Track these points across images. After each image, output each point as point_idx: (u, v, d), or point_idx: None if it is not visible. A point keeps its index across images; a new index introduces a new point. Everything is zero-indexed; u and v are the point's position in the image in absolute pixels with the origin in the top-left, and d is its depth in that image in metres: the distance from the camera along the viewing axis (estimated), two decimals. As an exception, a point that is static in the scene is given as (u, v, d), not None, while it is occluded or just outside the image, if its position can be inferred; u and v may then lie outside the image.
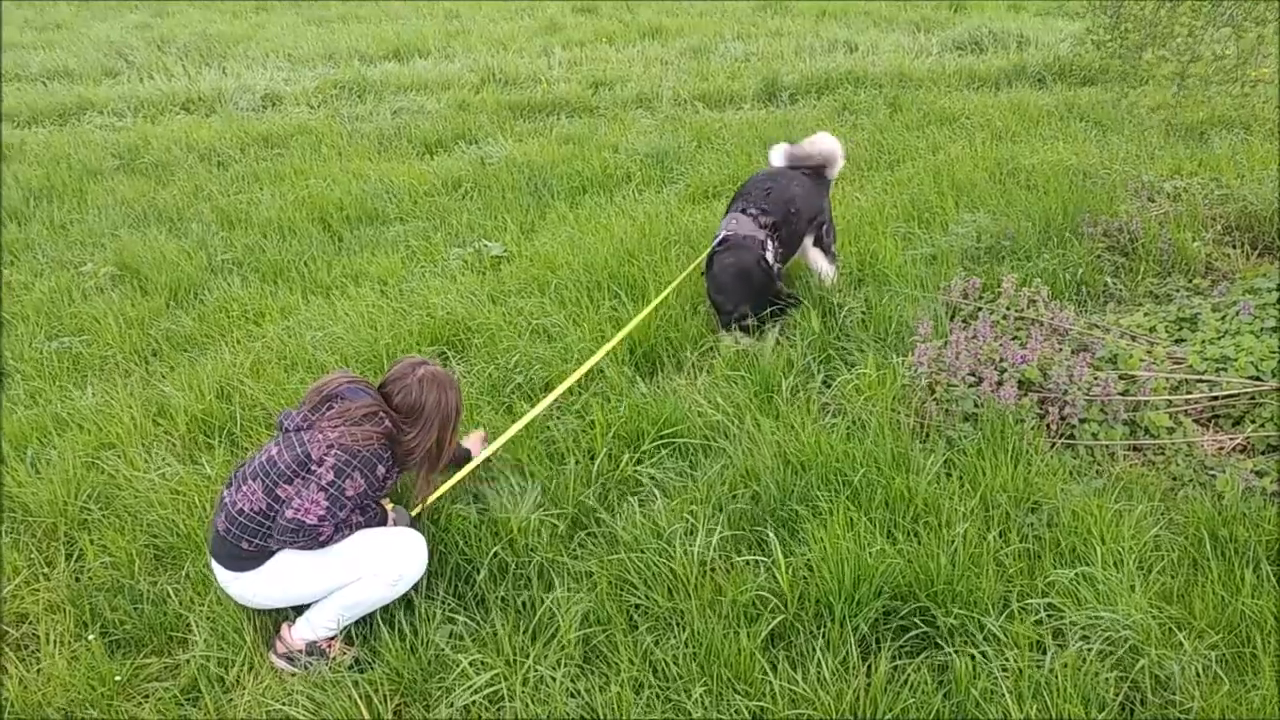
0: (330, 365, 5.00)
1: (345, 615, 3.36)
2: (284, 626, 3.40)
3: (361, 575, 3.34)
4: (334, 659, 3.32)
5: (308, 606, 3.41)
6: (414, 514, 3.72)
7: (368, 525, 3.44)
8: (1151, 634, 3.17)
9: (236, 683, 3.30)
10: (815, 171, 5.66)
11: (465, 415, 4.42)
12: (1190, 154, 7.60)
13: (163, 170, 8.91)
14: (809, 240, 5.48)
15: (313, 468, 3.29)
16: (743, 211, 5.26)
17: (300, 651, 3.34)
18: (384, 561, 3.36)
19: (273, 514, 3.28)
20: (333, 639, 3.37)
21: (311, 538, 3.27)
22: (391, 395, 3.54)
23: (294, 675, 3.33)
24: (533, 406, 4.49)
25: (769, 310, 5.14)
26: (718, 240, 5.21)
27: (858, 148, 8.33)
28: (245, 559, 3.31)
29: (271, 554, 3.32)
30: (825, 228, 5.56)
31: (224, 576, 3.36)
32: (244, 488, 3.32)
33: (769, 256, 5.13)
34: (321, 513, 3.25)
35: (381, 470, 3.40)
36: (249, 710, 3.18)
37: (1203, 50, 6.22)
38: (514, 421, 4.37)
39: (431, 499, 3.79)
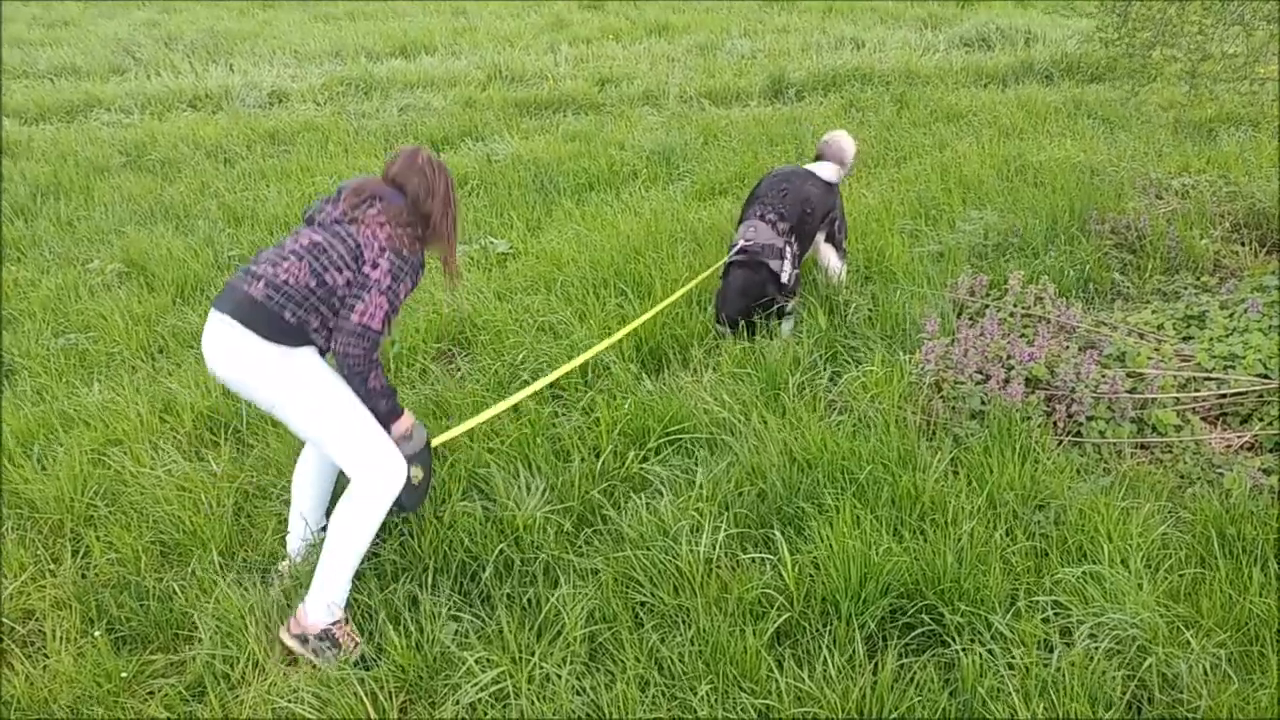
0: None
1: (347, 566, 3.35)
2: (300, 607, 3.37)
3: (347, 458, 3.35)
4: (344, 652, 3.31)
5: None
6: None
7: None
8: (1159, 633, 3.15)
9: (242, 679, 3.30)
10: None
11: (470, 413, 4.43)
12: (1198, 151, 7.57)
13: (169, 167, 8.92)
14: (821, 236, 5.47)
15: (366, 268, 3.33)
16: (760, 217, 5.19)
17: (314, 636, 3.31)
18: (372, 464, 3.35)
19: (320, 292, 3.30)
20: (345, 623, 3.35)
21: (373, 344, 3.32)
22: (405, 186, 3.52)
23: (302, 659, 3.32)
24: (537, 402, 4.50)
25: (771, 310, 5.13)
26: (735, 249, 5.16)
27: (865, 145, 8.31)
28: (285, 331, 3.28)
29: (308, 340, 3.33)
30: (838, 224, 5.54)
31: (252, 344, 3.25)
32: (286, 264, 3.31)
33: (786, 266, 5.09)
34: (384, 314, 3.32)
35: (420, 277, 3.48)
36: (255, 707, 3.18)
37: (1212, 48, 6.21)
38: (517, 416, 4.38)
39: (457, 432, 3.97)
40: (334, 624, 3.32)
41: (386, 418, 3.47)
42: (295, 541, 3.74)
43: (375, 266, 3.33)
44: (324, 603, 3.32)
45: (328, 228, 3.42)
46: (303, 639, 3.32)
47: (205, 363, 3.39)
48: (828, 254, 5.53)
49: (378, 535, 3.67)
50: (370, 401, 3.40)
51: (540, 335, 5.15)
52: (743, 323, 5.05)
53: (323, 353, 3.44)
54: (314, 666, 3.29)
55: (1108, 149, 7.71)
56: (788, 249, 5.10)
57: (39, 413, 4.80)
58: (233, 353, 3.28)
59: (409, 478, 3.47)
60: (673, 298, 5.13)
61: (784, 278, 5.07)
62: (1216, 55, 6.25)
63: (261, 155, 9.12)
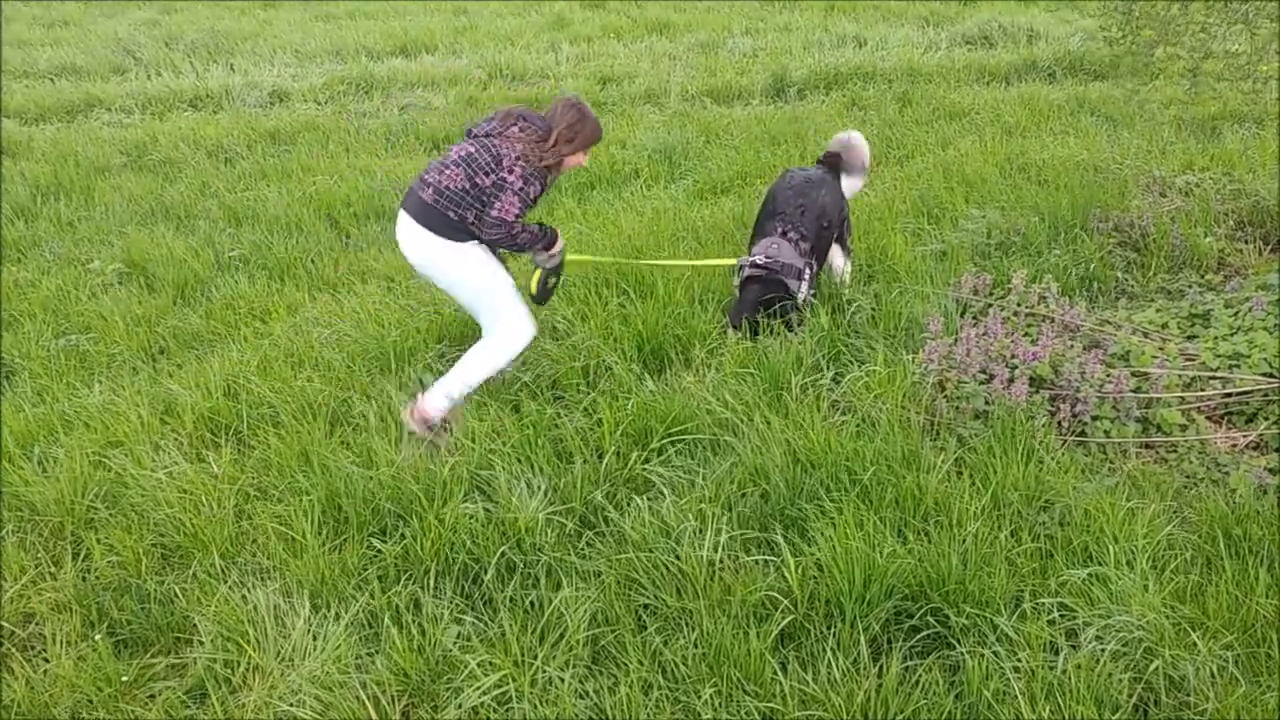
0: (337, 364, 4.98)
1: (467, 382, 4.42)
2: (419, 395, 4.38)
3: (488, 318, 4.51)
4: (452, 436, 4.25)
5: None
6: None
7: (539, 241, 4.59)
8: (1165, 634, 3.13)
9: (244, 683, 3.28)
10: (836, 171, 5.64)
11: (474, 413, 4.42)
12: (1202, 149, 7.55)
13: (170, 167, 8.90)
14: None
15: (503, 173, 4.31)
16: (783, 235, 5.16)
17: (431, 422, 4.32)
18: (505, 325, 4.47)
19: (473, 193, 4.32)
20: (455, 410, 4.37)
21: (509, 233, 4.38)
22: (551, 118, 4.50)
23: (422, 442, 4.24)
24: (539, 403, 4.49)
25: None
26: (754, 260, 5.14)
27: (867, 143, 8.27)
28: (451, 227, 4.35)
29: (470, 235, 4.40)
30: (846, 225, 5.55)
31: (425, 238, 4.37)
32: (447, 172, 4.36)
33: (804, 286, 5.11)
34: (516, 211, 4.34)
35: (548, 180, 4.49)
36: (256, 710, 3.17)
37: (1215, 47, 6.18)
38: (519, 417, 4.37)
39: (588, 259, 5.45)
40: (444, 415, 4.34)
41: (549, 244, 4.65)
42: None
43: (511, 171, 4.32)
44: (441, 393, 4.36)
45: (479, 139, 4.44)
46: (425, 424, 4.31)
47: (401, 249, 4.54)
48: (836, 255, 5.54)
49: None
50: (533, 248, 4.59)
51: (541, 335, 5.12)
52: (748, 321, 5.06)
53: (483, 241, 4.48)
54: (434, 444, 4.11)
55: (1111, 147, 7.68)
56: (807, 270, 5.13)
57: (39, 414, 4.79)
58: (414, 244, 4.43)
59: (548, 282, 4.82)
60: (717, 261, 5.46)
61: (801, 298, 5.09)
62: (1219, 53, 6.22)
63: (262, 155, 9.10)
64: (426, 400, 4.35)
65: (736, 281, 5.28)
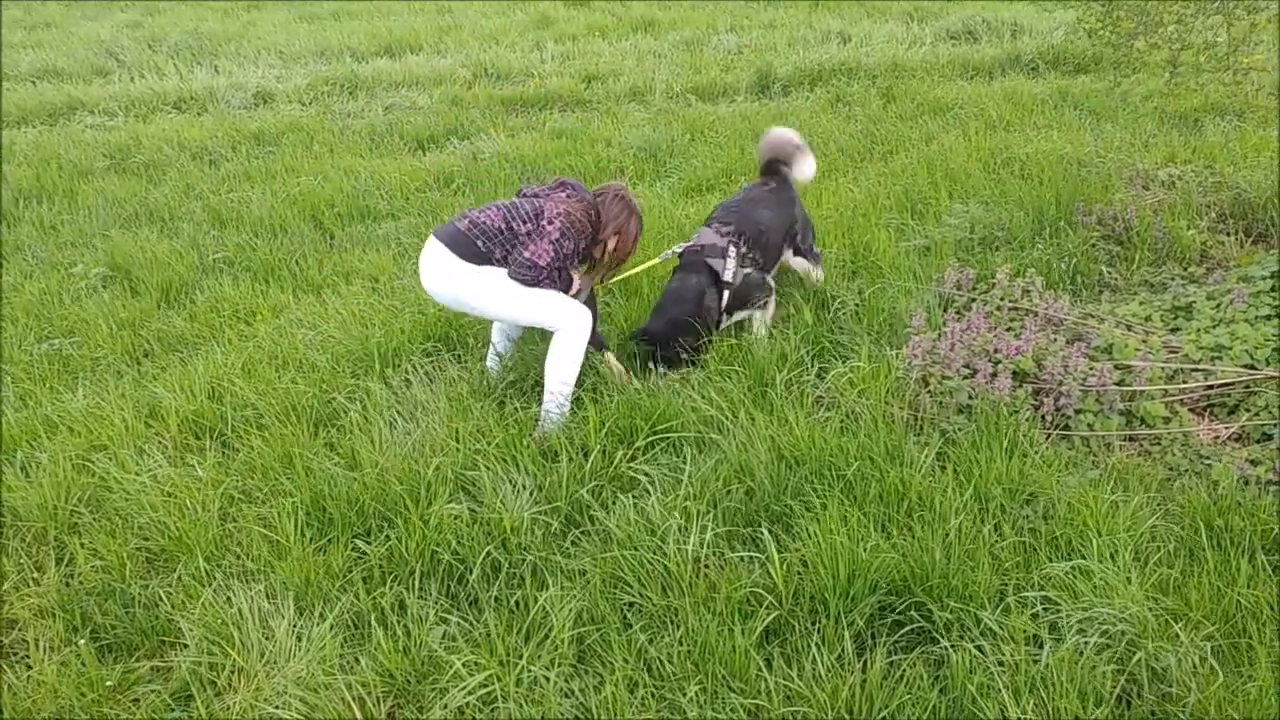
0: (322, 365, 4.97)
1: (563, 390, 4.46)
2: (539, 427, 4.42)
3: (543, 319, 4.50)
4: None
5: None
6: (595, 281, 4.91)
7: (557, 286, 4.53)
8: (1148, 626, 3.15)
9: (229, 686, 3.28)
10: (780, 181, 5.46)
11: (461, 414, 4.42)
12: (1184, 141, 7.57)
13: (154, 170, 8.87)
14: (789, 253, 5.38)
15: (543, 223, 4.44)
16: (708, 226, 5.09)
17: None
18: (563, 315, 4.47)
19: (506, 234, 4.45)
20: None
21: (534, 277, 4.41)
22: (599, 200, 4.68)
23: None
24: (525, 403, 4.49)
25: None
26: (675, 251, 5.09)
27: (851, 139, 8.30)
28: (475, 256, 4.44)
29: (492, 264, 4.44)
30: (799, 236, 5.40)
31: (445, 259, 4.45)
32: (488, 211, 4.52)
33: (729, 265, 4.92)
34: (549, 259, 4.42)
35: (584, 243, 4.60)
36: (241, 713, 3.16)
37: (1193, 38, 6.21)
38: (505, 415, 4.37)
39: (609, 279, 5.10)
40: (564, 413, 4.46)
41: (566, 286, 4.62)
42: (492, 360, 4.94)
43: (550, 223, 4.45)
44: (553, 420, 4.42)
45: (526, 197, 4.65)
46: (543, 442, 4.29)
47: (420, 276, 4.64)
48: (799, 264, 5.46)
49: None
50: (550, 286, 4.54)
51: (528, 335, 5.12)
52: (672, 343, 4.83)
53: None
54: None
55: (1094, 140, 7.70)
56: (732, 248, 4.96)
57: (22, 419, 4.77)
58: (435, 266, 4.50)
59: None
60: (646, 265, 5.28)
61: (726, 275, 4.92)
62: (1198, 45, 6.25)
63: (247, 156, 9.08)
64: (545, 429, 4.40)
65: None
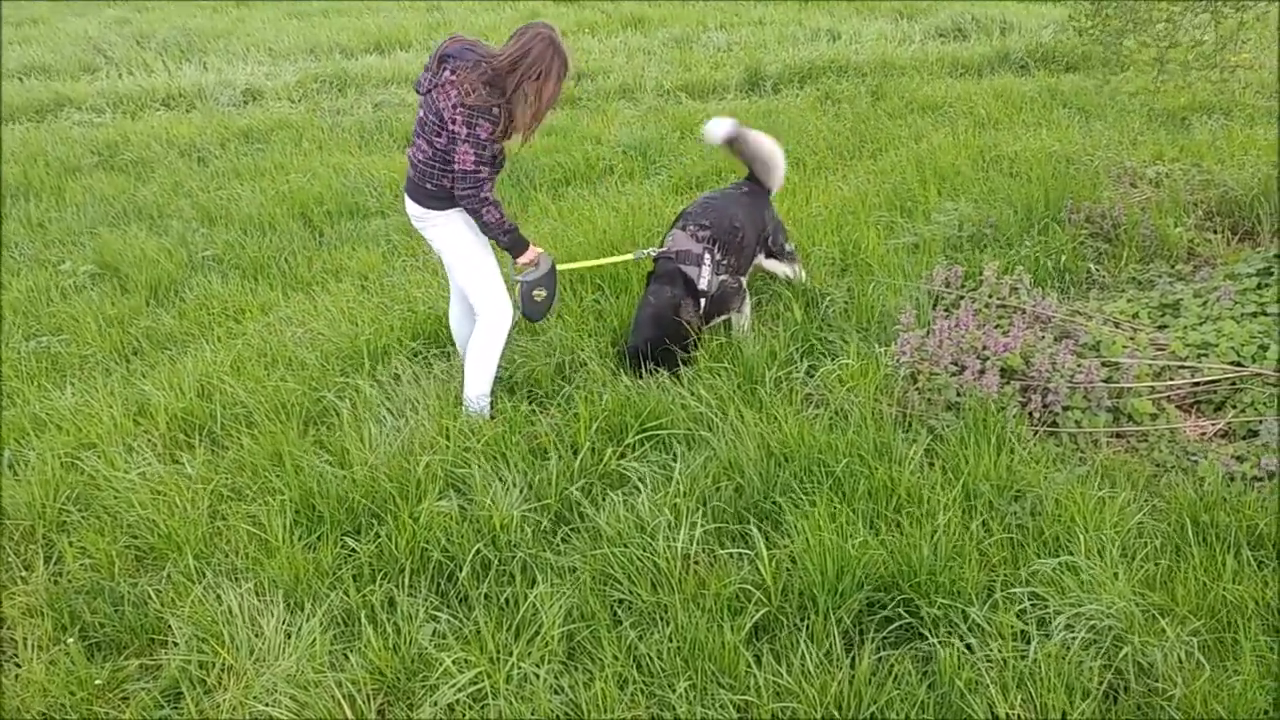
0: (311, 362, 4.97)
1: (484, 376, 4.50)
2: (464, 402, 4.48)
3: (470, 289, 4.51)
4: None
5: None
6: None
7: (493, 176, 4.30)
8: (1135, 621, 3.17)
9: (219, 683, 3.27)
10: (754, 186, 5.40)
11: (451, 415, 4.41)
12: (1172, 139, 7.61)
13: (142, 167, 8.84)
14: (761, 256, 5.31)
15: (450, 127, 4.16)
16: (682, 229, 4.98)
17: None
18: (487, 299, 4.48)
19: (438, 160, 4.25)
20: (490, 407, 4.52)
21: (476, 187, 4.21)
22: (505, 48, 4.28)
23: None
24: (514, 400, 4.49)
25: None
26: (648, 253, 5.03)
27: (840, 137, 8.31)
28: (434, 197, 4.35)
29: (452, 201, 4.34)
30: (771, 240, 5.31)
31: (416, 211, 4.44)
32: (415, 143, 4.35)
33: (705, 274, 4.83)
34: (474, 158, 4.16)
35: (497, 109, 4.16)
36: (231, 711, 3.16)
37: (1181, 36, 6.23)
38: (492, 413, 4.37)
39: (577, 266, 5.17)
40: (482, 408, 4.50)
41: (511, 249, 4.46)
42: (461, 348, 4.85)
43: (454, 122, 4.15)
44: (472, 397, 4.48)
45: (423, 99, 4.33)
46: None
47: None
48: (774, 267, 5.40)
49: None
50: (491, 235, 4.40)
51: (517, 333, 5.13)
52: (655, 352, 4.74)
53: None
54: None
55: (1082, 138, 7.73)
56: (707, 255, 4.86)
57: (10, 417, 4.75)
58: (414, 217, 4.51)
59: (533, 296, 4.52)
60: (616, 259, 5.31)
61: (701, 284, 4.84)
62: (1185, 43, 6.27)
63: (235, 154, 9.05)
64: (466, 405, 4.50)
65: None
